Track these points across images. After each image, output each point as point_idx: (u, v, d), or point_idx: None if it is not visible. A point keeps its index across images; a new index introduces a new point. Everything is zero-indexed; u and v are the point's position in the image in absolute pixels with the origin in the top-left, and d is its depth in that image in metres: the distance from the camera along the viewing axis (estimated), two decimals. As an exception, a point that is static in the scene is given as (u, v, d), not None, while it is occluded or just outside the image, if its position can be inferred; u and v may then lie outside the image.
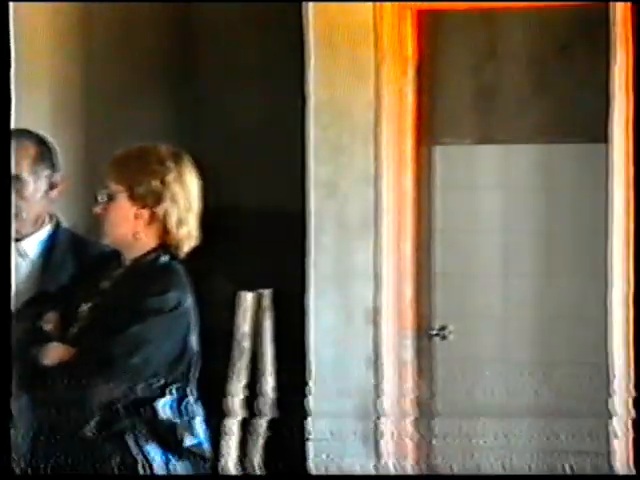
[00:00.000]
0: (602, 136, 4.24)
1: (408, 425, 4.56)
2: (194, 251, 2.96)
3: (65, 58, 4.64)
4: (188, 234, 2.92)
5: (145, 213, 2.86)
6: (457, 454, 4.59)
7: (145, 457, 2.81)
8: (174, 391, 2.85)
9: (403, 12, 4.42)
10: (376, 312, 4.47)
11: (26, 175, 3.20)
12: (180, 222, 2.88)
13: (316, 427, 4.52)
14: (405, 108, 4.48)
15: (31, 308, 2.93)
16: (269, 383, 4.59)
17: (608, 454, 4.23)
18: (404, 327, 4.54)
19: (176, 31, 4.85)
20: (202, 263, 3.25)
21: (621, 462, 4.22)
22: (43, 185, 3.25)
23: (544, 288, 4.53)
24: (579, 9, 4.30)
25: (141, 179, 2.84)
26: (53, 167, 3.29)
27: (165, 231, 2.88)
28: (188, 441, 2.88)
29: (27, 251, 3.24)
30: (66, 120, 4.53)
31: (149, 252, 2.90)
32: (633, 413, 4.21)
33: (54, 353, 2.81)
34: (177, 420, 2.86)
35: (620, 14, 4.15)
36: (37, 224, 3.27)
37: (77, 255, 3.23)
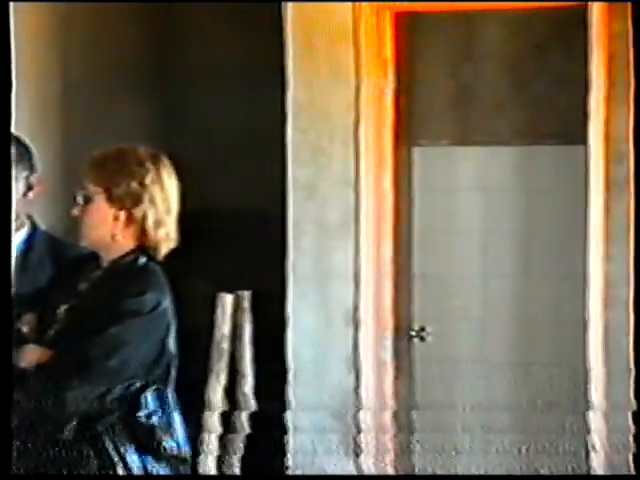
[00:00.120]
0: (580, 138, 4.26)
1: (387, 425, 4.57)
2: (173, 253, 2.95)
3: (43, 59, 4.63)
4: (166, 236, 2.90)
5: (123, 215, 2.85)
6: (436, 454, 4.60)
7: (123, 460, 2.80)
8: (152, 393, 2.84)
9: (382, 14, 4.42)
10: (355, 313, 4.48)
11: (3, 177, 3.17)
12: (158, 224, 2.87)
13: (296, 427, 4.52)
14: (384, 110, 4.48)
15: (8, 310, 2.91)
16: (248, 384, 4.59)
17: (586, 453, 4.25)
18: (383, 328, 4.55)
19: (155, 32, 4.83)
20: (181, 265, 3.24)
21: (598, 461, 4.24)
22: (21, 187, 3.23)
23: (522, 289, 4.55)
24: (556, 10, 4.32)
25: (119, 181, 2.83)
26: (31, 168, 3.28)
27: (143, 233, 2.87)
28: (167, 443, 2.86)
29: (4, 253, 3.22)
30: (44, 121, 4.52)
31: (127, 254, 2.89)
32: (607, 412, 4.23)
33: (31, 355, 2.79)
34: (155, 422, 2.84)
35: (597, 14, 4.17)
36: (15, 226, 3.25)
37: (55, 257, 3.22)
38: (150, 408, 2.83)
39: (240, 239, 4.68)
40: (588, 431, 4.26)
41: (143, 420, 2.81)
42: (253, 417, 4.58)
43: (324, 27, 4.42)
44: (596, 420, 4.24)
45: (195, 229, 4.33)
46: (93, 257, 2.92)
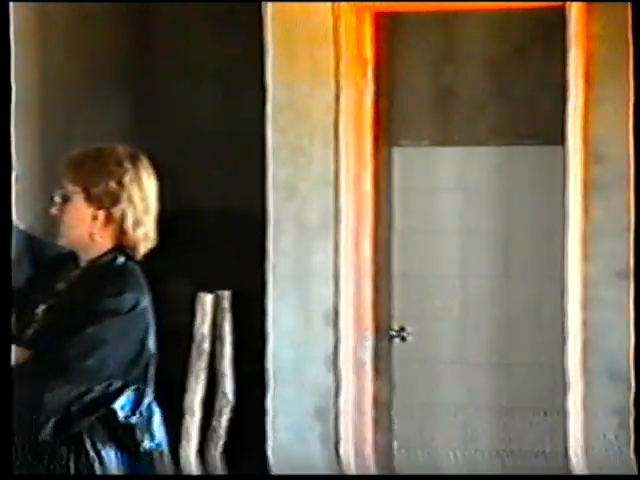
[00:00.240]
0: (558, 138, 4.27)
1: (367, 425, 4.57)
2: (152, 252, 2.94)
3: (21, 57, 4.61)
4: (145, 235, 2.89)
5: (101, 214, 2.84)
6: (416, 453, 4.61)
7: (102, 460, 2.79)
8: (131, 393, 2.83)
9: (362, 14, 4.43)
10: (335, 313, 4.48)
11: (-19, 176, 3.16)
12: (137, 223, 2.86)
13: (276, 427, 4.52)
14: (364, 110, 4.49)
15: (-14, 310, 2.89)
16: (228, 384, 4.59)
17: (565, 452, 4.27)
18: (363, 328, 4.56)
19: (135, 32, 4.82)
20: (161, 264, 3.24)
21: (576, 460, 4.26)
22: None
23: (502, 289, 4.56)
24: (535, 11, 4.33)
25: (98, 180, 2.82)
26: (9, 168, 3.26)
27: (122, 232, 2.86)
28: (146, 443, 2.85)
29: (-18, 252, 3.21)
30: (22, 120, 4.50)
31: (105, 253, 2.88)
32: (582, 412, 4.25)
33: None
34: (135, 422, 2.83)
35: (575, 16, 4.19)
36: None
37: (33, 256, 3.20)
38: (129, 408, 2.82)
39: (220, 239, 4.67)
40: (567, 431, 4.28)
41: (122, 420, 2.81)
42: (233, 416, 4.58)
43: (304, 27, 4.42)
44: (575, 420, 4.26)
45: (175, 229, 4.33)
46: (71, 257, 2.91)
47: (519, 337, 4.55)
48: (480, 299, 4.60)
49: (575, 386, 4.25)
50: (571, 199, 4.23)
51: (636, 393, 4.14)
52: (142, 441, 2.84)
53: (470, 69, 4.56)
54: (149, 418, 2.87)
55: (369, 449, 4.58)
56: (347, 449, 4.50)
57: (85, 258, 2.89)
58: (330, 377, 4.47)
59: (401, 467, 4.65)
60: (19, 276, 3.07)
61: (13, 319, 2.86)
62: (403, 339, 4.64)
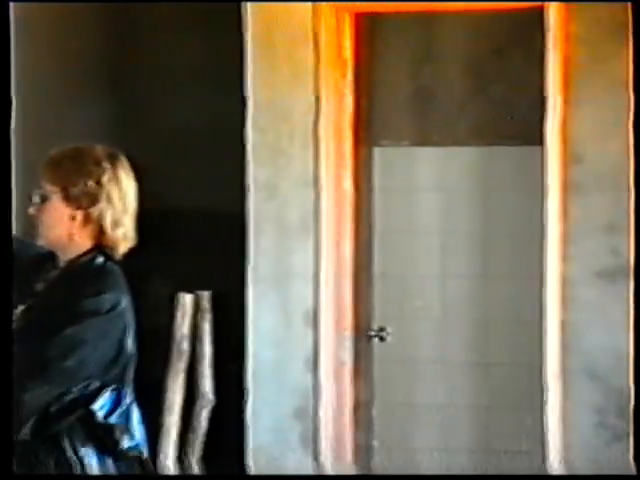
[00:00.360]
0: (537, 139, 4.29)
1: (347, 425, 4.57)
2: (132, 252, 2.93)
3: None
4: (124, 235, 2.88)
5: (80, 214, 2.83)
6: (396, 453, 4.62)
7: (81, 460, 2.78)
8: (110, 393, 2.83)
9: (341, 14, 4.43)
10: (315, 313, 4.48)
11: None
12: (116, 223, 2.85)
13: (255, 427, 4.52)
14: (344, 110, 4.50)
15: (-36, 310, 2.88)
16: (208, 384, 4.59)
17: (542, 452, 4.28)
18: (343, 328, 4.56)
19: (115, 31, 4.81)
20: (141, 264, 3.23)
21: (554, 459, 4.27)
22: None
23: (481, 290, 4.57)
24: (514, 12, 4.35)
25: (76, 180, 2.81)
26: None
27: (101, 232, 2.85)
28: (125, 443, 2.85)
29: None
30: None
31: (84, 253, 2.87)
32: (560, 412, 4.27)
33: (-12, 355, 2.77)
34: (114, 422, 2.83)
35: (553, 17, 4.20)
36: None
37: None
38: (108, 408, 2.82)
39: (200, 239, 4.67)
40: (545, 430, 4.29)
41: (101, 420, 2.80)
42: (213, 417, 4.57)
43: (284, 27, 4.42)
44: (553, 419, 4.27)
45: (155, 229, 4.33)
46: (50, 257, 2.90)
47: (498, 337, 4.57)
48: (459, 299, 4.61)
49: (553, 386, 4.26)
50: (550, 199, 4.25)
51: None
52: (121, 441, 2.83)
53: (449, 69, 4.57)
54: (128, 418, 2.86)
55: (349, 449, 4.59)
56: (327, 449, 4.50)
57: (64, 258, 2.88)
58: (310, 377, 4.47)
59: (381, 467, 4.65)
60: (-3, 276, 3.06)
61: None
62: (383, 339, 4.65)
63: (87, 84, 4.77)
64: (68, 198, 2.81)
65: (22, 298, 2.86)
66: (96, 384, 2.79)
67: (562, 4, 4.19)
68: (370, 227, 4.66)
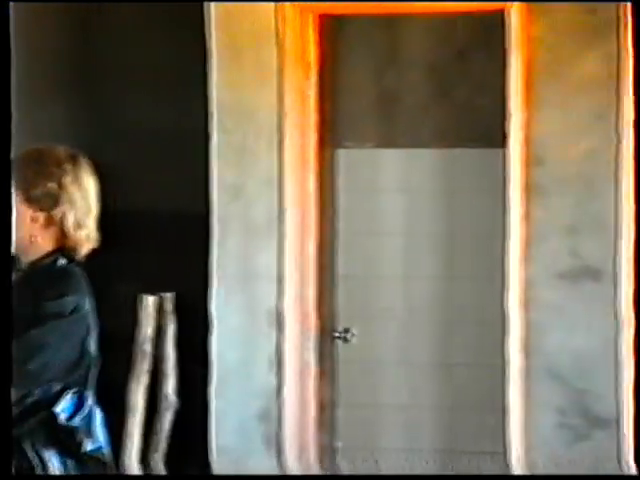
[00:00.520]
0: (500, 141, 4.31)
1: (311, 425, 4.58)
2: (95, 254, 2.92)
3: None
4: (87, 237, 2.87)
5: (41, 216, 2.82)
6: (359, 453, 4.63)
7: (43, 463, 2.77)
8: (73, 395, 2.82)
9: (305, 16, 4.44)
10: (279, 314, 4.49)
11: None
12: (78, 225, 2.84)
13: (219, 428, 4.51)
14: (308, 111, 4.50)
15: None
16: (171, 385, 4.58)
17: (504, 452, 4.31)
18: (307, 329, 4.57)
19: (79, 31, 4.79)
20: (103, 266, 3.22)
21: (516, 459, 4.30)
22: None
23: (444, 291, 4.59)
24: (477, 14, 4.37)
25: (37, 182, 2.79)
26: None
27: (63, 234, 2.84)
28: (87, 445, 2.84)
29: None
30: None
31: (46, 255, 2.85)
32: (522, 412, 4.29)
33: (-52, 358, 2.75)
34: (76, 425, 2.82)
35: (515, 19, 4.23)
36: None
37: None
38: (70, 410, 2.81)
39: (164, 240, 4.66)
40: (507, 431, 4.32)
41: (63, 423, 2.79)
42: (176, 418, 4.56)
43: (248, 28, 4.42)
44: (515, 419, 4.30)
45: (119, 230, 4.31)
46: (12, 259, 2.89)
47: (462, 338, 4.59)
48: (423, 300, 4.63)
49: (515, 386, 4.29)
50: (512, 201, 4.27)
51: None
52: (83, 444, 2.82)
53: (413, 72, 4.59)
54: (90, 421, 2.85)
55: (313, 450, 4.59)
56: (291, 450, 4.51)
57: (26, 260, 2.87)
58: (274, 378, 4.47)
59: (345, 467, 4.67)
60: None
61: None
62: (347, 340, 4.66)
63: (49, 84, 4.75)
64: (29, 200, 2.79)
65: (-17, 301, 2.85)
66: (58, 387, 2.78)
67: (524, 6, 4.22)
68: (334, 228, 4.67)
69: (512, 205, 4.27)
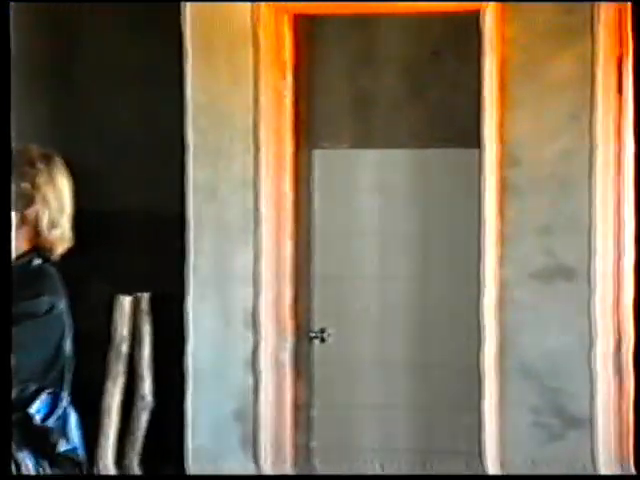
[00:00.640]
0: (475, 141, 4.33)
1: (286, 426, 4.58)
2: (70, 254, 2.91)
3: None
4: (61, 236, 2.86)
5: (15, 216, 2.81)
6: (335, 453, 4.63)
7: (17, 464, 2.76)
8: (47, 396, 2.81)
9: (280, 16, 4.44)
10: (255, 315, 4.48)
11: None
12: (52, 224, 2.83)
13: (195, 429, 4.51)
14: (284, 112, 4.50)
15: None
16: (147, 386, 4.57)
17: (479, 452, 4.32)
18: (283, 330, 4.56)
19: (54, 31, 4.78)
20: (79, 266, 3.22)
21: (491, 459, 4.31)
22: None
23: (420, 291, 4.60)
24: (452, 15, 4.38)
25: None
26: None
27: (37, 234, 2.83)
28: (62, 446, 2.83)
29: None
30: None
31: (21, 255, 2.84)
32: (497, 411, 4.31)
33: None
34: (51, 426, 2.81)
35: (489, 20, 4.24)
36: None
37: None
38: (45, 411, 2.80)
39: (140, 240, 4.65)
40: (482, 430, 4.33)
41: (38, 424, 2.78)
42: (152, 419, 4.56)
43: (223, 29, 4.42)
44: (490, 419, 4.31)
45: (94, 229, 4.30)
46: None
47: (437, 338, 4.60)
48: (399, 300, 4.64)
49: (490, 386, 4.30)
50: (487, 202, 4.29)
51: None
52: (58, 445, 2.81)
53: (388, 72, 4.60)
54: (65, 422, 2.84)
55: (289, 450, 4.59)
56: (266, 450, 4.51)
57: (0, 260, 2.85)
58: (250, 379, 4.47)
59: (320, 467, 4.67)
60: None
61: None
62: (323, 340, 4.66)
63: (23, 83, 4.72)
64: (3, 200, 2.79)
65: (-43, 301, 2.83)
66: (33, 387, 2.77)
67: (498, 7, 4.23)
68: (310, 229, 4.67)
69: (487, 205, 4.28)
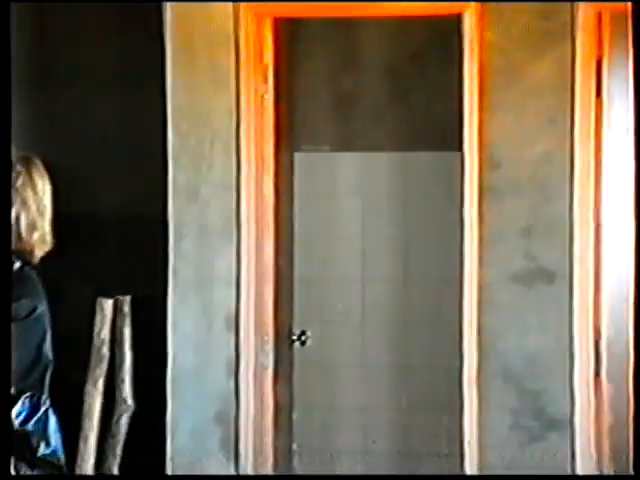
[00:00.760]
0: (456, 144, 4.34)
1: (268, 429, 4.58)
2: (50, 256, 2.91)
3: None
4: (41, 239, 2.86)
5: (-6, 219, 2.80)
6: (316, 456, 4.64)
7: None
8: (27, 399, 2.80)
9: (262, 19, 4.44)
10: (236, 318, 4.48)
11: None
12: (32, 227, 2.83)
13: (176, 432, 4.50)
14: (265, 115, 4.50)
15: None
16: (127, 389, 4.56)
17: (460, 455, 4.33)
18: (264, 332, 4.56)
19: (33, 31, 4.76)
20: (59, 269, 3.21)
21: (470, 463, 4.33)
22: None
23: (401, 293, 4.62)
24: (433, 19, 4.39)
25: (-10, 184, 2.78)
26: None
27: (17, 237, 2.83)
28: (42, 450, 2.82)
29: None
30: None
31: (1, 258, 2.84)
32: (476, 413, 4.32)
33: None
34: (30, 429, 2.80)
35: (469, 24, 4.26)
36: None
37: None
38: (25, 415, 2.79)
39: (121, 242, 4.64)
40: (463, 432, 4.34)
41: (18, 427, 2.77)
42: (132, 422, 4.55)
43: (204, 31, 4.42)
44: (470, 421, 4.32)
45: (74, 232, 4.29)
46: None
47: (418, 340, 4.62)
48: (380, 303, 4.65)
49: (470, 388, 4.31)
50: (467, 204, 4.30)
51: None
52: (38, 448, 2.81)
53: (369, 75, 4.61)
54: (45, 425, 2.84)
55: (270, 453, 4.59)
56: (247, 453, 4.50)
57: (-21, 263, 2.85)
58: (231, 382, 4.47)
59: (301, 470, 4.67)
60: None
61: None
62: (304, 343, 4.66)
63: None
64: (-18, 203, 2.78)
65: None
66: (13, 390, 2.76)
67: (478, 10, 4.24)
68: (291, 231, 4.68)
69: (467, 208, 4.29)
